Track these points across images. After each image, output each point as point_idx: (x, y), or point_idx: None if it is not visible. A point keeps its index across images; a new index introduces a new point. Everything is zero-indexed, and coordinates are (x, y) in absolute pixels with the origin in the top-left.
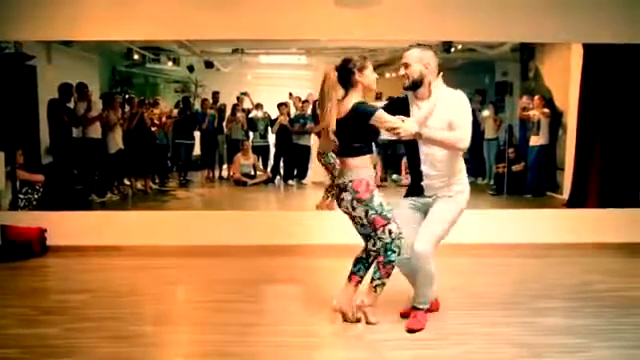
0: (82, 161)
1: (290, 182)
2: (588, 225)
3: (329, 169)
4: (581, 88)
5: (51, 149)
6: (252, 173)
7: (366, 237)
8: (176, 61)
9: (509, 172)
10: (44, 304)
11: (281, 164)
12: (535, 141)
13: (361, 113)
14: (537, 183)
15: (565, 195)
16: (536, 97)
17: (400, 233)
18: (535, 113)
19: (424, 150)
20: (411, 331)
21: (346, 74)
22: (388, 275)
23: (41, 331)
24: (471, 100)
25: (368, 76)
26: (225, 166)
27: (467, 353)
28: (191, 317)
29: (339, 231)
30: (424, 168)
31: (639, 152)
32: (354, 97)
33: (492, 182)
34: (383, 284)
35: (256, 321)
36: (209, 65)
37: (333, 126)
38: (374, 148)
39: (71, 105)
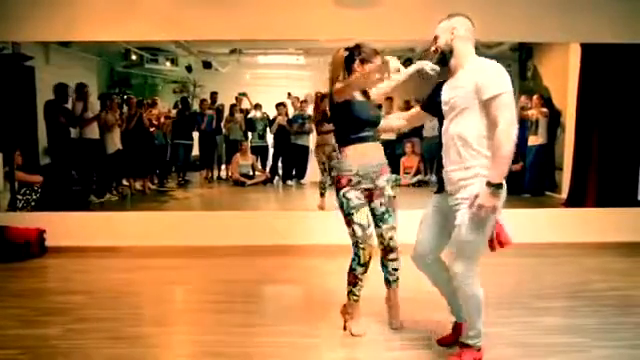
0: (80, 162)
1: (289, 182)
2: (586, 224)
3: (322, 164)
4: (579, 88)
5: (49, 150)
6: (251, 173)
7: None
8: (174, 61)
9: (508, 172)
10: (43, 305)
11: (280, 164)
12: (534, 141)
13: (330, 95)
14: (536, 183)
15: (564, 194)
16: (535, 97)
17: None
18: (533, 112)
19: (442, 131)
20: None
21: (349, 59)
22: (353, 283)
23: (41, 332)
24: None
25: (369, 65)
26: (224, 166)
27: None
28: (190, 317)
29: (338, 231)
30: (443, 155)
31: (637, 151)
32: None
33: None
34: (351, 292)
35: (255, 321)
36: (207, 65)
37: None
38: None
39: (69, 105)
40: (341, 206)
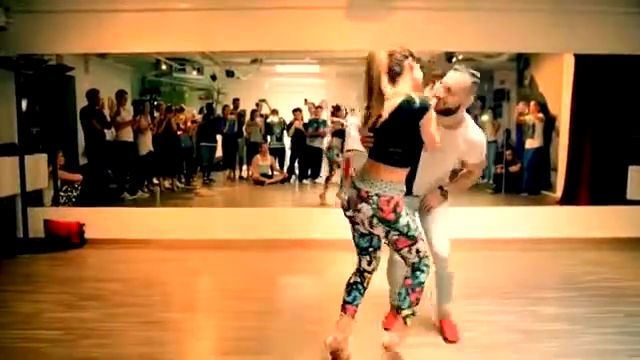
0: (116, 162)
1: (304, 181)
2: (579, 221)
3: (332, 165)
4: (573, 95)
5: (86, 151)
6: (269, 173)
7: (363, 251)
8: (200, 70)
9: (507, 172)
10: (82, 291)
11: (296, 165)
12: (530, 144)
13: (414, 107)
14: (532, 182)
15: (558, 193)
16: (532, 103)
17: (427, 251)
18: (530, 118)
19: (424, 156)
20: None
21: (398, 60)
22: (418, 301)
23: (81, 315)
24: (472, 106)
25: (417, 70)
26: (245, 167)
27: (470, 339)
28: (214, 304)
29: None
30: (419, 170)
31: (626, 154)
32: (403, 88)
33: (491, 181)
34: (413, 314)
35: (272, 309)
36: (230, 74)
37: (385, 115)
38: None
39: (106, 111)
40: (405, 233)
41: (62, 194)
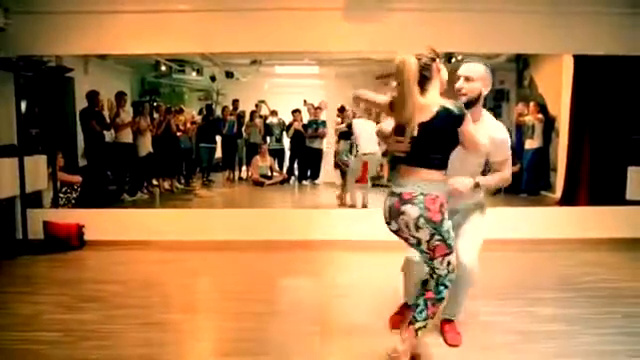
0: (115, 163)
1: (304, 182)
2: (579, 222)
3: (341, 167)
4: (572, 95)
5: (86, 153)
6: (269, 174)
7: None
8: (199, 72)
9: None
10: (83, 292)
11: (295, 166)
12: (530, 144)
13: (453, 115)
14: (532, 183)
15: (558, 194)
16: (531, 104)
17: (454, 264)
18: (530, 118)
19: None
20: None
21: (427, 65)
22: (434, 315)
23: (81, 317)
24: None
25: (444, 71)
26: (244, 168)
27: (469, 339)
28: (213, 306)
29: (352, 227)
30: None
31: (625, 154)
32: (434, 94)
33: None
34: (426, 327)
35: (271, 310)
36: (229, 75)
37: (414, 123)
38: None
39: (105, 113)
40: (446, 240)
41: (61, 195)
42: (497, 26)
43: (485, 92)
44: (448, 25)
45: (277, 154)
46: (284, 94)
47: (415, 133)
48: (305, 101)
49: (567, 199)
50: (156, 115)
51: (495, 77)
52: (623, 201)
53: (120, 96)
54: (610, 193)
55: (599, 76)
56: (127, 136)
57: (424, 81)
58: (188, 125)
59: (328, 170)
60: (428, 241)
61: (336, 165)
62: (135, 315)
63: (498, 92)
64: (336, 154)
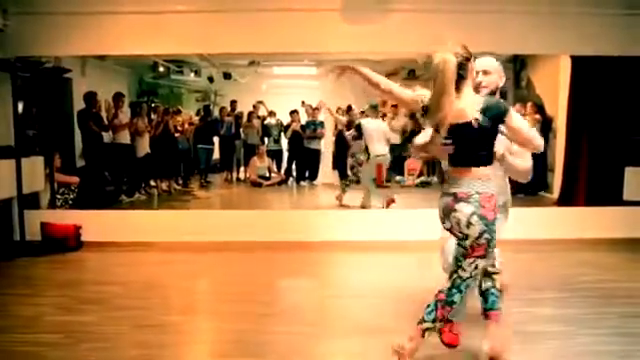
0: (113, 164)
1: (302, 183)
2: (576, 222)
3: (355, 167)
4: (569, 96)
5: (83, 153)
6: (267, 175)
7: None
8: (197, 73)
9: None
10: (81, 294)
11: (293, 167)
12: None
13: (496, 111)
14: (529, 183)
15: (555, 194)
16: (528, 104)
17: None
18: (527, 119)
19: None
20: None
21: (463, 64)
22: (443, 319)
23: (80, 318)
24: None
25: (473, 72)
26: (242, 169)
27: (469, 338)
28: (212, 307)
29: (349, 228)
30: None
31: (623, 155)
32: (469, 93)
33: None
34: (435, 329)
35: (271, 311)
36: (227, 76)
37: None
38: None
39: (103, 114)
40: (490, 240)
41: (59, 196)
42: (494, 27)
43: (501, 84)
44: (445, 25)
45: (275, 155)
46: (282, 95)
47: (457, 132)
48: (303, 102)
49: (565, 199)
50: (154, 116)
51: None
52: (620, 201)
53: (118, 97)
54: (607, 193)
55: (596, 77)
56: (125, 137)
57: (460, 80)
58: (186, 126)
59: (326, 171)
60: (476, 238)
61: (351, 167)
62: (135, 317)
63: (492, 92)
64: (352, 155)
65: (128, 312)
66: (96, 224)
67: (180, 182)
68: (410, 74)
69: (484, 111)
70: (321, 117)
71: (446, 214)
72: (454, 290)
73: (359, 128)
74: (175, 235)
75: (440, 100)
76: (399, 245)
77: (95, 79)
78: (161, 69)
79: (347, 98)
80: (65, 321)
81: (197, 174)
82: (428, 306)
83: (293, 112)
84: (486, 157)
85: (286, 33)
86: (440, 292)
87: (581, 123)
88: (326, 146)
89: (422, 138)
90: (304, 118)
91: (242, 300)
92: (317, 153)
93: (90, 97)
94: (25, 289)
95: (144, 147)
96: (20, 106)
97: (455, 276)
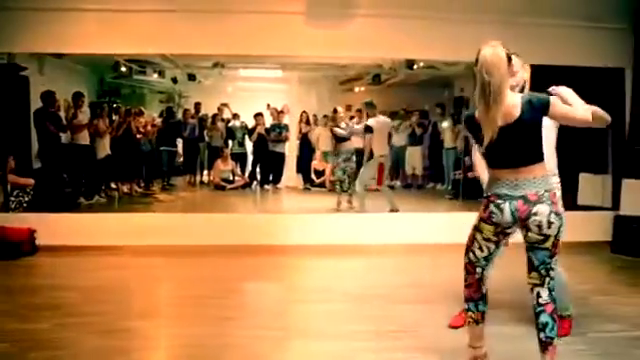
0: (71, 166)
1: (266, 187)
2: None
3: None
4: None
5: (40, 154)
6: (231, 178)
7: (484, 260)
8: (161, 73)
9: (465, 178)
10: (35, 301)
11: (258, 170)
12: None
13: (537, 106)
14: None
15: None
16: None
17: None
18: None
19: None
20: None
21: (509, 59)
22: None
23: (31, 326)
24: (430, 113)
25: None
26: (206, 172)
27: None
28: (174, 311)
29: (314, 232)
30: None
31: (576, 161)
32: (509, 93)
33: (450, 187)
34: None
35: (233, 315)
36: (192, 77)
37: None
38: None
39: (61, 113)
40: (562, 229)
41: (13, 199)
42: (455, 34)
43: (526, 77)
44: (409, 32)
45: (239, 158)
46: (247, 98)
47: (506, 132)
48: (268, 105)
49: None
50: (115, 117)
51: (455, 84)
52: (574, 206)
53: (77, 97)
54: (563, 199)
55: (552, 85)
56: (84, 138)
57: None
58: (149, 128)
59: (290, 175)
60: (556, 235)
61: (343, 169)
62: (92, 323)
63: (458, 99)
64: (337, 153)
65: (84, 318)
66: (52, 228)
67: (142, 185)
68: (375, 79)
69: (528, 106)
70: (286, 120)
71: (516, 220)
72: (553, 292)
73: (370, 129)
74: (136, 239)
75: (494, 98)
76: (365, 249)
77: (54, 78)
78: (123, 69)
79: (311, 103)
80: (13, 329)
81: (160, 177)
82: (545, 325)
83: (258, 115)
84: (540, 153)
85: (250, 35)
86: (546, 304)
87: None
88: (290, 149)
89: (476, 154)
90: (269, 121)
91: (204, 304)
92: (282, 156)
93: (48, 96)
94: None
95: (104, 148)
96: None
97: (548, 279)
